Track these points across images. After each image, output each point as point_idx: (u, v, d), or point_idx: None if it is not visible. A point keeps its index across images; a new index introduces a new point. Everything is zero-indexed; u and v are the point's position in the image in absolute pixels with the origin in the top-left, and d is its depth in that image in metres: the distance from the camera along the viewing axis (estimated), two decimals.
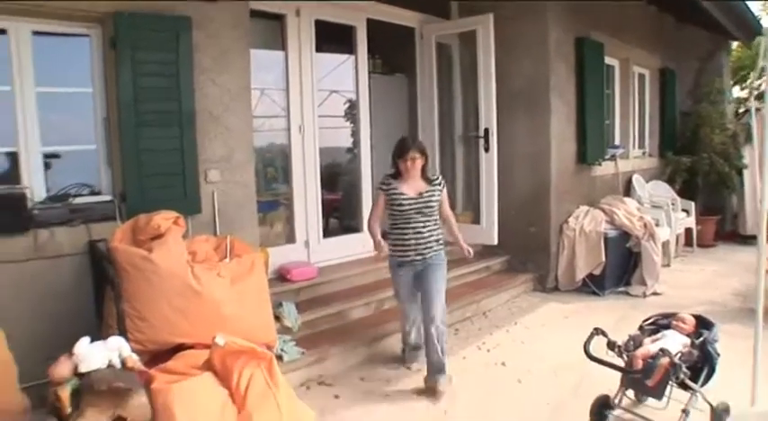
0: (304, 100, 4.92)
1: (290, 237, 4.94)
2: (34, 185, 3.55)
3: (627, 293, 5.80)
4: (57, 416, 2.28)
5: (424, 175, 3.69)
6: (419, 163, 3.60)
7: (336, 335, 4.19)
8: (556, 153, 5.86)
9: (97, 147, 3.85)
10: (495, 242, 5.61)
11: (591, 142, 6.27)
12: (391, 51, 6.61)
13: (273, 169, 5.28)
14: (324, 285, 4.64)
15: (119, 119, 3.65)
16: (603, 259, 5.58)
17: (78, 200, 3.63)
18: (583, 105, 6.16)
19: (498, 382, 3.79)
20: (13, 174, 3.55)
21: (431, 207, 3.63)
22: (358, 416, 3.39)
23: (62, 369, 2.38)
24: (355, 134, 5.72)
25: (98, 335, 2.79)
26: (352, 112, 5.96)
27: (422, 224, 3.63)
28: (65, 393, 2.26)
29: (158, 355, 2.86)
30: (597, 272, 5.67)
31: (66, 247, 3.44)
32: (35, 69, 3.51)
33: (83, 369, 2.40)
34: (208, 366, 2.73)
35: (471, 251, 3.83)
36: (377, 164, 5.49)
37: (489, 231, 5.60)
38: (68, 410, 2.26)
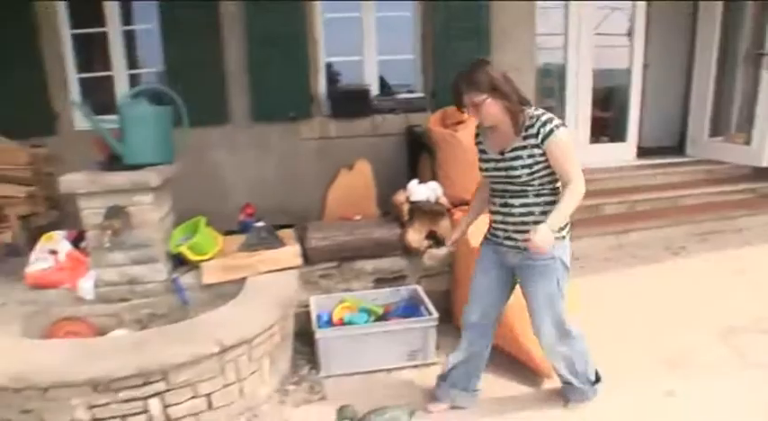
0: (582, 19, 5.51)
1: None
2: (373, 84, 4.93)
3: None
4: (399, 220, 3.58)
5: (515, 121, 2.28)
6: (486, 106, 2.25)
7: (589, 224, 4.94)
8: None
9: (415, 57, 5.08)
10: (764, 164, 5.59)
11: None
12: None
13: (550, 80, 5.97)
14: (586, 182, 5.33)
15: (433, 35, 4.79)
16: None
17: (400, 95, 4.94)
18: None
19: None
20: (360, 76, 4.99)
21: (513, 173, 2.30)
22: (598, 280, 4.17)
23: (400, 197, 3.67)
24: (630, 53, 6.07)
25: None
26: (628, 32, 6.24)
27: (509, 196, 2.38)
28: (405, 207, 3.54)
29: (454, 204, 3.98)
30: None
31: (391, 129, 4.79)
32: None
33: (412, 198, 3.64)
34: None
35: (540, 248, 2.21)
36: (649, 82, 5.83)
37: (759, 152, 5.60)
38: (406, 218, 3.54)
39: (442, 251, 3.60)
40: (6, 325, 2.95)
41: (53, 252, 3.16)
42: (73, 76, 4.68)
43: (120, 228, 2.95)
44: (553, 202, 2.29)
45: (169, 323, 3.14)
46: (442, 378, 2.77)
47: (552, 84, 6.03)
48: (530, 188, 2.32)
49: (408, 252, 3.54)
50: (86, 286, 3.07)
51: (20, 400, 2.37)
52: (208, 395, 2.58)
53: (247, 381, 2.70)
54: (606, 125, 6.65)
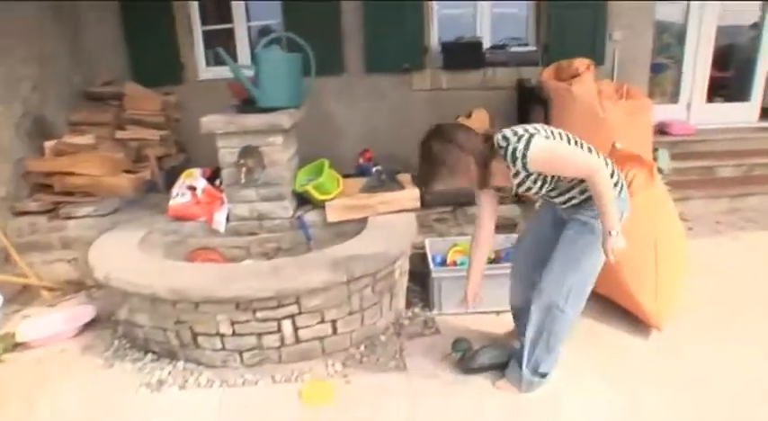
0: None
1: (674, 98, 5.48)
2: (485, 36, 4.91)
3: None
4: None
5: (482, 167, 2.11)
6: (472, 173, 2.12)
7: (702, 185, 4.77)
8: None
9: (527, 12, 5.00)
10: None
11: None
12: None
13: (669, 36, 5.69)
14: (699, 143, 5.13)
15: None
16: None
17: (512, 49, 4.89)
18: None
19: None
20: (472, 28, 4.98)
21: (539, 192, 2.22)
22: (707, 244, 4.05)
23: None
24: (763, 7, 5.64)
25: None
26: None
27: (551, 196, 2.29)
28: None
29: None
30: None
31: (502, 82, 4.78)
32: None
33: None
34: None
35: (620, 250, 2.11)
36: None
37: None
38: None
39: None
40: (153, 250, 3.30)
41: (191, 188, 3.46)
42: (198, 29, 4.98)
43: (253, 166, 3.19)
44: (575, 187, 2.19)
45: (293, 256, 3.39)
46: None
47: (669, 40, 5.74)
48: (561, 187, 2.20)
49: (523, 200, 3.60)
50: (220, 220, 3.35)
51: (175, 312, 2.67)
52: (333, 321, 2.79)
53: (368, 312, 2.89)
54: (723, 85, 6.27)
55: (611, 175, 2.15)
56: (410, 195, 3.34)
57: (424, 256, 3.29)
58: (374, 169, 3.68)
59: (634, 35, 4.80)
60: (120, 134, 4.42)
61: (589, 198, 2.16)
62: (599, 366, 2.69)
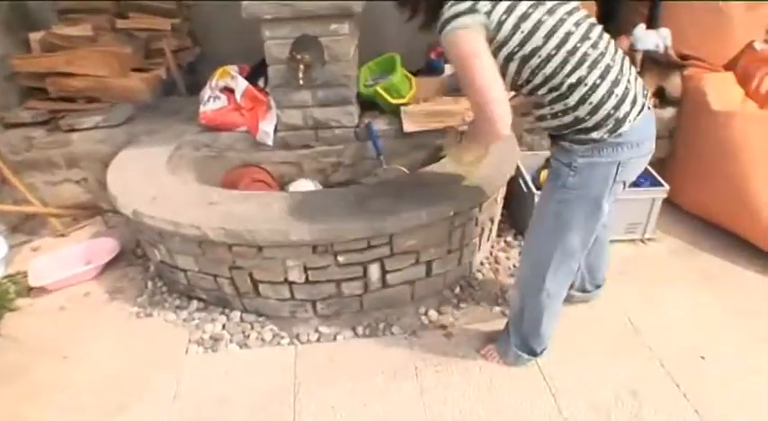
0: None
1: None
2: None
3: None
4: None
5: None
6: None
7: None
8: None
9: None
10: None
11: None
12: None
13: None
14: None
15: None
16: None
17: None
18: None
19: None
20: None
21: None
22: None
23: (622, 43, 2.97)
24: None
25: None
26: None
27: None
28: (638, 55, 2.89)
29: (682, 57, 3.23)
30: None
31: None
32: None
33: (638, 46, 2.95)
34: (730, 68, 3.04)
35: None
36: None
37: None
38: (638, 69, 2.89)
39: (668, 112, 2.97)
40: (186, 169, 2.66)
41: (228, 90, 2.75)
42: None
43: (311, 62, 2.47)
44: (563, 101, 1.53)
45: (356, 175, 2.78)
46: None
47: None
48: (529, 85, 1.55)
49: None
50: (267, 130, 2.68)
51: (231, 257, 2.08)
52: (428, 262, 2.23)
53: (467, 248, 2.33)
54: None
55: (606, 100, 1.50)
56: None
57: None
58: (445, 65, 2.98)
59: None
60: (122, 23, 3.58)
61: (565, 125, 1.56)
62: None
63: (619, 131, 1.52)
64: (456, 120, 2.59)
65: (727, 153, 2.69)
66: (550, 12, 1.46)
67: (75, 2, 3.53)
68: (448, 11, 1.46)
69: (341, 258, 2.06)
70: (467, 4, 1.44)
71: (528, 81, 1.52)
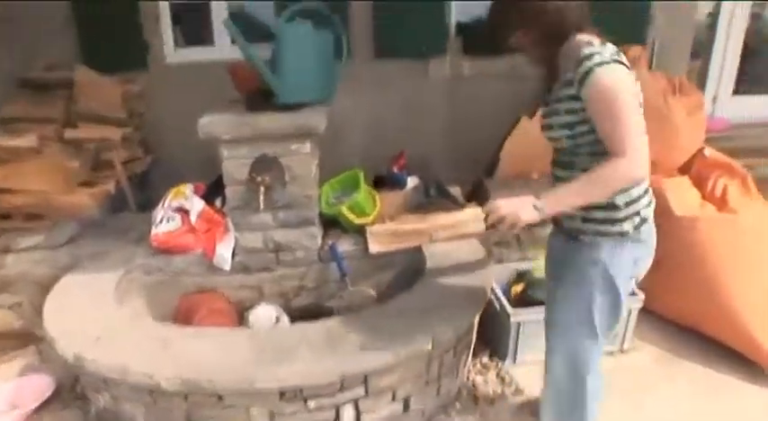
0: None
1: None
2: None
3: None
4: None
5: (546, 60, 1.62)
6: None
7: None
8: None
9: None
10: None
11: None
12: None
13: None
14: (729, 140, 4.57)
15: None
16: None
17: None
18: None
19: None
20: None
21: (553, 135, 1.64)
22: None
23: None
24: None
25: None
26: None
27: (558, 167, 1.71)
28: None
29: None
30: None
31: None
32: None
33: None
34: (685, 172, 3.11)
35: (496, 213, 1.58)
36: None
37: None
38: None
39: None
40: (134, 298, 2.45)
41: (182, 210, 2.60)
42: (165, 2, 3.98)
43: (271, 184, 2.37)
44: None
45: (320, 298, 2.62)
46: None
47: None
48: (576, 160, 1.61)
49: None
50: (224, 255, 2.52)
51: (186, 406, 1.85)
52: (406, 398, 2.05)
53: (446, 379, 2.16)
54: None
55: (642, 198, 1.61)
56: (473, 215, 2.58)
57: None
58: (408, 178, 2.92)
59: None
60: (70, 133, 3.43)
61: (599, 208, 1.59)
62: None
63: (641, 228, 1.60)
64: (423, 238, 2.49)
65: (695, 257, 2.68)
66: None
67: (22, 107, 3.38)
68: (597, 52, 1.46)
69: (311, 403, 1.86)
70: (613, 60, 1.47)
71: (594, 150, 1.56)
